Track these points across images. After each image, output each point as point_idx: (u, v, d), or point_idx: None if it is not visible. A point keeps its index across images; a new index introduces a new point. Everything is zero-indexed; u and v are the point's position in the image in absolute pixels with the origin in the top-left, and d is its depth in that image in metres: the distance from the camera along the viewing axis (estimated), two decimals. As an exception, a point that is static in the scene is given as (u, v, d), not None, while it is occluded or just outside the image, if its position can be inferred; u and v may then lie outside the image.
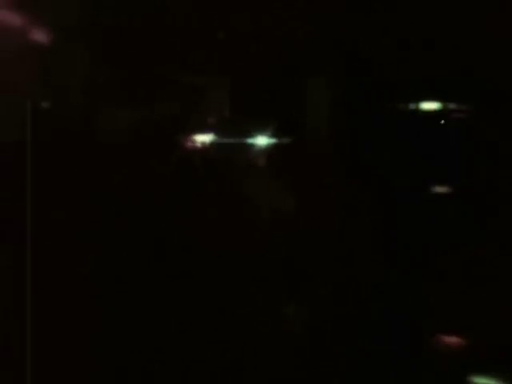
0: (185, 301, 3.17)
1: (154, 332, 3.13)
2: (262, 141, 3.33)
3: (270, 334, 3.18)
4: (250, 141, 3.32)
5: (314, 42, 3.23)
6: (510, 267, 3.08)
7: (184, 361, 3.12)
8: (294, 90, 3.29)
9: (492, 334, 3.05)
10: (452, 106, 3.25)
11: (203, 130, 3.34)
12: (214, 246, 3.23)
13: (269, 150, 3.32)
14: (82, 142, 3.25)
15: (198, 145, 3.34)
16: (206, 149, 3.35)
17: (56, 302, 3.06)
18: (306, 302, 3.25)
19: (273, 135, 3.32)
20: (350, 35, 3.21)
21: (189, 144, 3.34)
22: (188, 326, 3.15)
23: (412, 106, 3.29)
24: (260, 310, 3.19)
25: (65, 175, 3.20)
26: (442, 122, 3.25)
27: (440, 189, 3.26)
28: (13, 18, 3.22)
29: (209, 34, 3.24)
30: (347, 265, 3.21)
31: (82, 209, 3.19)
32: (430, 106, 3.28)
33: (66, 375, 3.01)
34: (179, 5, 3.21)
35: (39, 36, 3.24)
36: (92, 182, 3.21)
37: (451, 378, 3.10)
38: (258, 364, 3.13)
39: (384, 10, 3.20)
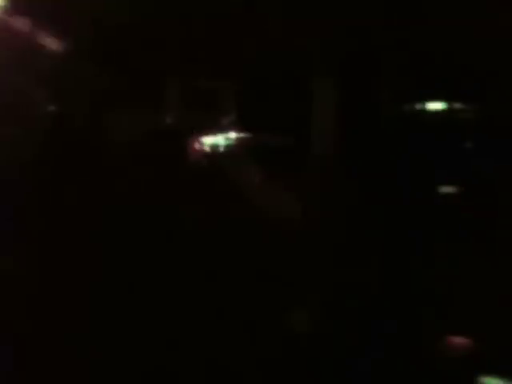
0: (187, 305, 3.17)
1: (154, 335, 3.13)
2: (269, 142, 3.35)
3: (273, 338, 3.16)
4: (256, 142, 3.34)
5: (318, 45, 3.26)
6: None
7: (183, 361, 3.11)
8: (299, 93, 3.32)
9: (499, 334, 3.00)
10: (456, 106, 3.26)
11: (211, 132, 3.36)
12: (219, 247, 3.25)
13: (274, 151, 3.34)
14: (92, 147, 3.29)
15: (207, 147, 3.36)
16: (214, 151, 3.36)
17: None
18: (310, 306, 3.23)
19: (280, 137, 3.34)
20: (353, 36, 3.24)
21: (197, 147, 3.36)
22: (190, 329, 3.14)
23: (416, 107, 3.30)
24: (265, 314, 3.18)
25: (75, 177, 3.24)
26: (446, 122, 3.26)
27: (446, 190, 3.24)
28: (22, 24, 3.28)
29: (214, 37, 3.28)
30: (353, 266, 3.19)
31: (89, 211, 3.22)
32: (435, 106, 3.28)
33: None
34: (185, 9, 3.27)
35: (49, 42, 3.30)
36: (99, 187, 3.24)
37: (459, 379, 3.05)
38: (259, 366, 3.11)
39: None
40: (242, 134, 3.34)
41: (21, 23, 3.26)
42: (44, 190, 3.17)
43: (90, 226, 3.18)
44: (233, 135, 3.34)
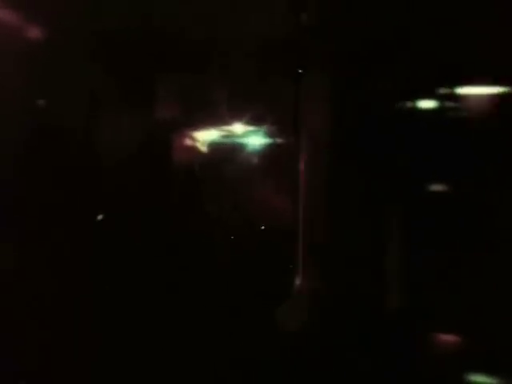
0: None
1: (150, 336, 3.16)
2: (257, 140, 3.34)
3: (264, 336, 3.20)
4: (247, 140, 3.34)
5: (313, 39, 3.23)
6: (509, 268, 3.07)
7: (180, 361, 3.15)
8: (292, 89, 3.30)
9: (490, 333, 3.05)
10: (450, 104, 3.25)
11: (202, 130, 3.35)
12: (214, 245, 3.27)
13: (266, 150, 3.33)
14: (82, 145, 3.28)
15: (198, 146, 3.35)
16: (205, 149, 3.36)
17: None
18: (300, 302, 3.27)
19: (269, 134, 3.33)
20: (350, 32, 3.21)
21: (188, 145, 3.35)
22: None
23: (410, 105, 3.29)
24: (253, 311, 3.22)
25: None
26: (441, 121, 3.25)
27: (440, 188, 3.26)
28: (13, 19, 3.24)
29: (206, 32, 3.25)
30: (341, 263, 3.22)
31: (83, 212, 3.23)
32: (428, 104, 3.27)
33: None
34: (175, 5, 3.23)
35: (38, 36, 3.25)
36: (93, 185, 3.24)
37: (450, 377, 3.11)
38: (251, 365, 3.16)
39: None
40: (234, 131, 3.33)
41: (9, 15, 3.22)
42: (29, 190, 3.17)
43: (80, 228, 3.19)
44: (225, 132, 3.33)
